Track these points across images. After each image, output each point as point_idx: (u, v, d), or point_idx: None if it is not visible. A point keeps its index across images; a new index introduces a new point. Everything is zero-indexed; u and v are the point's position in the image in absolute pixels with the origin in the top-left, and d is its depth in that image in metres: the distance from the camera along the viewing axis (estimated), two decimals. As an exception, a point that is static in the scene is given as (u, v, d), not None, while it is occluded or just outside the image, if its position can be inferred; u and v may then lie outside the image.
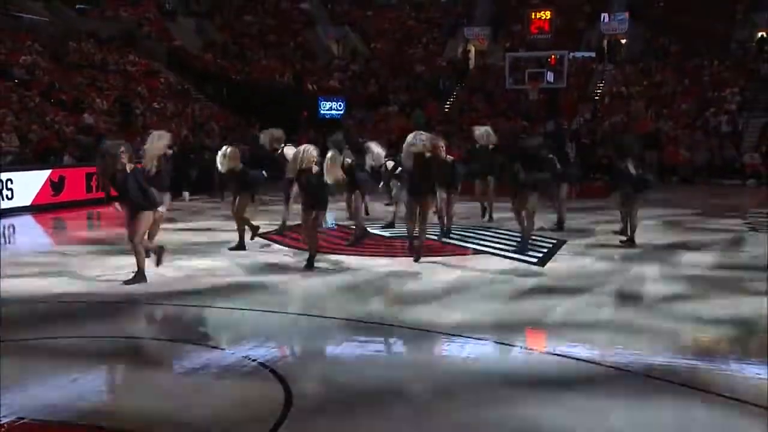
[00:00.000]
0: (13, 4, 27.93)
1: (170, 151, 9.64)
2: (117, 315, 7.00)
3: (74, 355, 5.69)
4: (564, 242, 10.81)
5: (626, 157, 10.42)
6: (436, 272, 8.89)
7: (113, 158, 7.79)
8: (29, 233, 13.48)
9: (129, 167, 7.85)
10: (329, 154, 8.86)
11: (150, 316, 7.19)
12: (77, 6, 31.47)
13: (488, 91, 30.73)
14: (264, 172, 10.46)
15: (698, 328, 6.43)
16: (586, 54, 32.66)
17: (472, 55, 34.75)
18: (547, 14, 31.12)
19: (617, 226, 11.28)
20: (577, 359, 5.54)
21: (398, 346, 6.24)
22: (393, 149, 13.09)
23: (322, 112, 29.27)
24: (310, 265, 8.87)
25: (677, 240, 11.26)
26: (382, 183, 12.55)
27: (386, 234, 11.81)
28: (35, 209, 15.58)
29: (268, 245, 10.68)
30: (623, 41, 33.71)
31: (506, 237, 11.22)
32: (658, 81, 29.19)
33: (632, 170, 10.23)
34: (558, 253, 10.05)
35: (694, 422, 4.46)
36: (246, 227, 10.22)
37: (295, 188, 10.28)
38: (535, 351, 6.10)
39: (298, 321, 6.77)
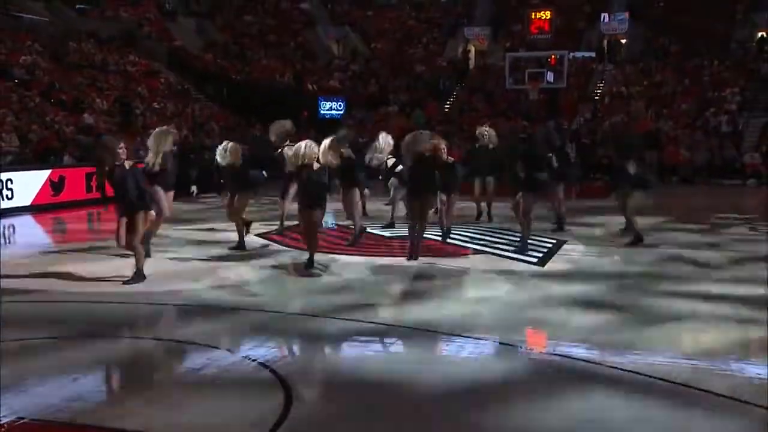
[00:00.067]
0: (13, 4, 27.94)
1: (175, 148, 9.60)
2: (117, 315, 7.00)
3: (74, 355, 5.69)
4: (564, 242, 10.81)
5: (627, 157, 10.42)
6: (436, 272, 8.89)
7: (111, 152, 7.75)
8: (29, 233, 13.49)
9: (128, 164, 7.82)
10: (330, 138, 8.90)
11: (150, 316, 7.19)
12: (77, 6, 31.48)
13: (488, 91, 30.74)
14: (264, 172, 10.45)
15: (699, 328, 6.44)
16: (586, 54, 32.67)
17: (472, 55, 34.75)
18: (547, 14, 31.14)
19: (617, 227, 11.28)
20: (577, 359, 5.54)
21: (398, 346, 6.24)
22: (394, 149, 13.07)
23: (322, 112, 29.28)
24: (310, 265, 8.86)
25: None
26: (381, 177, 12.53)
27: (386, 234, 11.81)
28: (35, 209, 15.59)
29: (268, 245, 10.68)
30: (623, 41, 33.72)
31: (506, 237, 11.22)
32: (658, 81, 29.20)
33: (632, 170, 10.23)
34: (558, 253, 10.04)
35: (694, 422, 4.45)
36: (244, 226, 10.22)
37: (293, 188, 10.25)
38: (535, 351, 6.10)
39: (298, 321, 6.77)
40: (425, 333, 6.27)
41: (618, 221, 11.53)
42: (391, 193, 12.71)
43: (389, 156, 11.32)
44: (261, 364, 5.39)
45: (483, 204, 13.25)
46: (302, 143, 8.82)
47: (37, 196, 15.95)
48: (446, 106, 30.68)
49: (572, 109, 28.02)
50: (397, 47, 36.54)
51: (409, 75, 33.02)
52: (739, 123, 25.07)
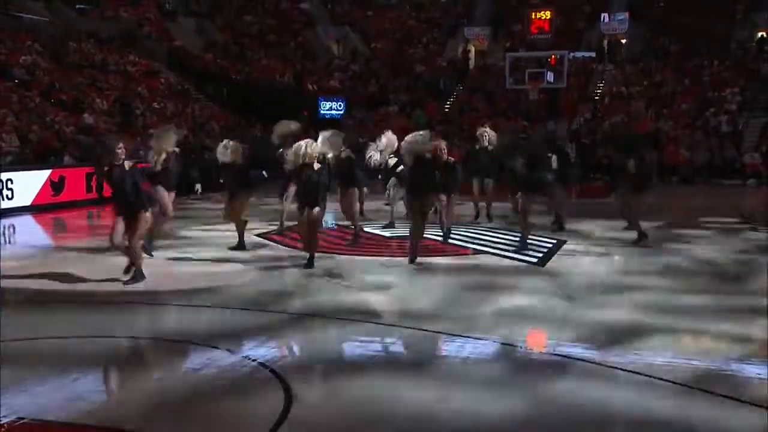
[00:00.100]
0: (13, 4, 27.94)
1: (178, 149, 9.60)
2: (117, 315, 7.00)
3: (74, 355, 5.69)
4: (564, 242, 10.81)
5: (627, 157, 10.42)
6: (436, 272, 8.89)
7: (110, 150, 7.75)
8: (29, 233, 13.49)
9: (128, 165, 7.80)
10: (331, 131, 9.00)
11: (150, 316, 7.19)
12: (77, 6, 31.48)
13: (488, 91, 30.74)
14: (264, 172, 10.44)
15: (700, 328, 6.43)
16: (586, 54, 32.67)
17: (472, 55, 34.75)
18: (547, 14, 31.14)
19: (617, 227, 11.27)
20: (577, 359, 5.54)
21: (398, 346, 6.24)
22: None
23: (322, 112, 29.29)
24: (310, 265, 8.86)
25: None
26: (380, 177, 12.52)
27: (386, 234, 11.81)
28: (35, 209, 15.59)
29: (268, 245, 10.68)
30: (623, 41, 33.72)
31: (506, 237, 11.22)
32: (658, 81, 29.21)
33: (632, 170, 10.23)
34: (558, 253, 10.04)
35: (695, 422, 4.45)
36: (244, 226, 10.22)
37: (292, 188, 10.23)
38: (535, 351, 6.10)
39: (298, 321, 6.76)
40: (425, 333, 6.26)
41: (618, 221, 11.51)
42: (390, 193, 12.71)
43: (390, 156, 11.31)
44: (261, 364, 5.39)
45: (481, 204, 13.26)
46: (302, 142, 8.82)
47: (37, 196, 15.95)
48: (446, 106, 30.69)
49: (572, 109, 28.02)
50: (397, 47, 36.54)
51: (409, 75, 33.02)
52: (739, 123, 25.08)
